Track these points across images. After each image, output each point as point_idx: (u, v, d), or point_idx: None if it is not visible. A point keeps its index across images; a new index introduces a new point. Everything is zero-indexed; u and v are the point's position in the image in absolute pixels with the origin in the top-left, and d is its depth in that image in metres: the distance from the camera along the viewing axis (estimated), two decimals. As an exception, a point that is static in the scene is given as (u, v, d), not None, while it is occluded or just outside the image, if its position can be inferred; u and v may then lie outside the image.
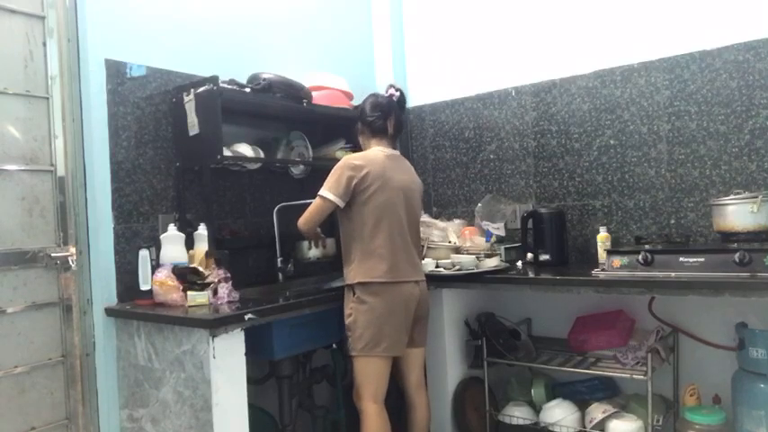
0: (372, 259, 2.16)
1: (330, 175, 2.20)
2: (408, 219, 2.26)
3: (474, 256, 2.52)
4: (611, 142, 2.71)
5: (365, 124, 2.35)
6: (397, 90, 2.40)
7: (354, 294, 2.17)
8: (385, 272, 2.15)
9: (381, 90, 3.27)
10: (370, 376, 2.16)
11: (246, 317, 1.91)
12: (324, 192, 2.18)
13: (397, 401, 2.38)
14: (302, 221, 2.26)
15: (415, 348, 2.32)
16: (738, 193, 2.26)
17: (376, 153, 2.26)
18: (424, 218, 2.88)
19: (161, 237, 2.22)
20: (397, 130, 2.37)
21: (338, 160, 2.31)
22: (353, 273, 2.18)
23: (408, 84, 3.41)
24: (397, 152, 2.36)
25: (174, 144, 2.38)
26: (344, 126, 2.78)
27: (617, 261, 2.22)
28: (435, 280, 2.54)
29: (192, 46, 2.48)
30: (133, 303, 2.15)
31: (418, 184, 2.38)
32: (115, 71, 2.22)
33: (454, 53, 3.22)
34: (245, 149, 2.47)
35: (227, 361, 1.88)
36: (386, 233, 2.17)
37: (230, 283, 2.12)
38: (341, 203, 2.17)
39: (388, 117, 2.33)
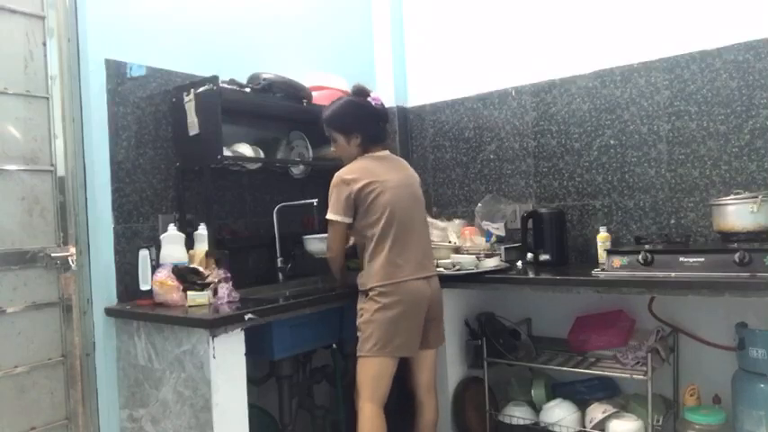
0: (383, 263, 2.13)
1: (330, 196, 2.20)
2: (416, 215, 2.26)
3: (474, 256, 2.52)
4: (611, 142, 2.71)
5: (367, 134, 2.26)
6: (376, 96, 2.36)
7: (367, 295, 2.16)
8: (395, 273, 2.13)
9: (383, 91, 3.36)
10: (369, 377, 2.13)
11: (246, 317, 1.91)
12: (329, 215, 2.19)
13: (398, 403, 2.36)
14: (328, 253, 2.29)
15: (428, 350, 2.29)
16: (738, 193, 2.26)
17: (366, 161, 2.24)
18: (424, 218, 2.89)
19: (161, 237, 2.22)
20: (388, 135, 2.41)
21: (338, 160, 2.31)
22: (365, 278, 2.17)
23: (408, 84, 3.41)
24: (386, 152, 2.32)
25: (174, 144, 2.38)
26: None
27: (617, 261, 2.22)
28: (435, 280, 2.54)
29: (192, 46, 2.48)
30: (133, 303, 2.15)
31: (416, 179, 2.35)
32: (115, 71, 2.22)
33: (454, 53, 3.22)
34: (245, 149, 2.47)
35: (228, 361, 1.88)
36: (394, 235, 2.15)
37: (230, 283, 2.12)
38: (348, 220, 2.18)
39: (386, 124, 2.35)
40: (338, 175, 2.21)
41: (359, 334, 2.16)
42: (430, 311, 2.22)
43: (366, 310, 2.14)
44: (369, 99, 2.31)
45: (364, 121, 2.28)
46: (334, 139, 2.31)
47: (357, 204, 2.16)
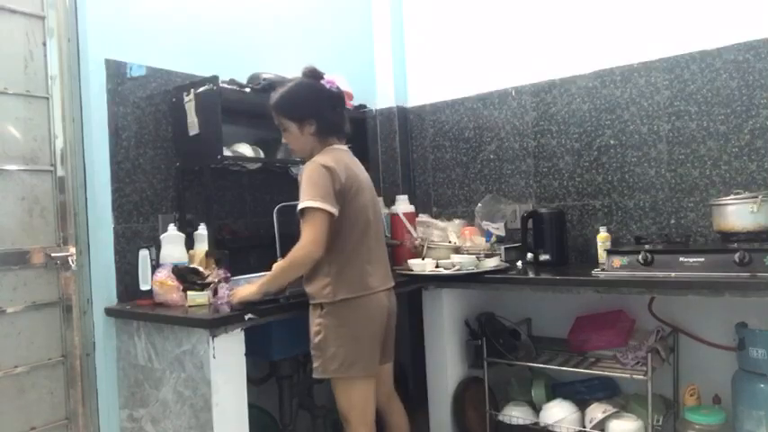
0: (358, 271, 1.94)
1: (308, 184, 1.87)
2: (380, 221, 2.12)
3: (474, 256, 2.52)
4: (611, 142, 2.71)
5: (323, 119, 1.99)
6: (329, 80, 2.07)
7: (323, 309, 1.93)
8: (368, 283, 1.96)
9: (383, 91, 3.37)
10: (354, 398, 1.96)
11: (246, 317, 1.91)
12: (315, 202, 1.84)
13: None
14: (312, 248, 1.83)
15: (386, 364, 2.14)
16: (738, 193, 2.26)
17: (339, 153, 2.01)
18: (424, 218, 2.89)
19: (161, 237, 2.22)
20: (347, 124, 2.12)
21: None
22: (331, 289, 1.92)
23: (408, 84, 3.41)
24: (347, 148, 2.12)
25: (174, 144, 2.38)
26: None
27: (617, 261, 2.22)
28: (435, 280, 2.54)
29: (192, 46, 2.48)
30: (133, 303, 2.15)
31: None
32: (115, 71, 2.22)
33: (454, 53, 3.22)
34: (245, 149, 2.47)
35: (228, 361, 1.88)
36: (366, 242, 1.98)
37: (230, 283, 2.12)
38: (336, 213, 1.88)
39: (344, 110, 2.10)
40: (316, 161, 1.91)
41: (316, 353, 1.95)
42: (388, 326, 2.07)
43: (323, 327, 1.92)
44: (323, 82, 2.05)
45: (319, 105, 2.00)
46: (284, 128, 2.03)
47: (340, 199, 1.90)
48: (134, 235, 2.24)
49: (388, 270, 2.11)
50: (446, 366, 2.64)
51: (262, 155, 2.56)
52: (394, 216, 2.94)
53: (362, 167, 2.12)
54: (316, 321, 1.95)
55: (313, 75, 2.05)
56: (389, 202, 3.05)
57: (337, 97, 2.07)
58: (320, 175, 1.87)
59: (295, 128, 2.01)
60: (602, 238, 2.52)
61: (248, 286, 1.97)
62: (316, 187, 1.86)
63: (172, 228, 2.22)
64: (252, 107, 2.54)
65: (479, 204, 2.98)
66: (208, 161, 2.27)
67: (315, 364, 1.97)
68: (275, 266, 1.94)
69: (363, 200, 2.00)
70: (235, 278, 2.10)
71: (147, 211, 2.29)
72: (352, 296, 1.93)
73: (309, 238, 1.84)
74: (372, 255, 2.01)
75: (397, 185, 3.30)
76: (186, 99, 2.29)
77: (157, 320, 1.99)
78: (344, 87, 2.88)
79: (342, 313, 1.92)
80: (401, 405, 2.26)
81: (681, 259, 2.08)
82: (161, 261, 2.17)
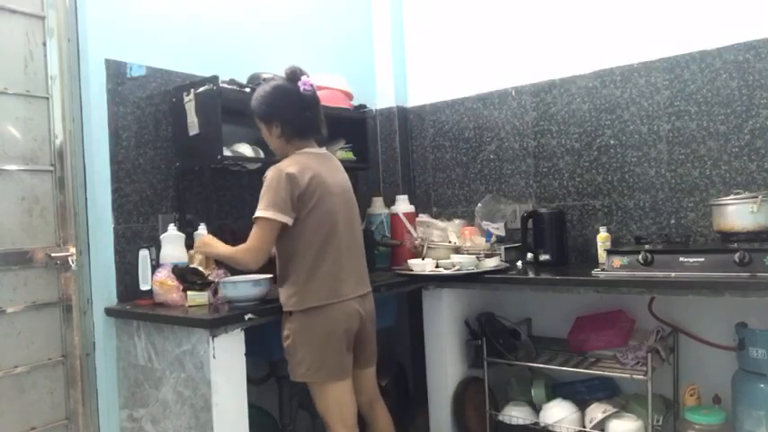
0: (325, 279, 1.94)
1: (266, 191, 1.92)
2: (353, 225, 2.08)
3: (474, 256, 2.52)
4: (611, 142, 2.71)
5: (288, 123, 2.01)
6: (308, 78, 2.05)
7: (291, 315, 1.95)
8: (339, 291, 1.95)
9: (383, 91, 3.37)
10: (329, 401, 1.98)
11: (246, 317, 1.91)
12: (266, 212, 1.89)
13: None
14: (251, 255, 1.91)
15: (366, 369, 2.14)
16: (738, 193, 2.26)
17: (307, 157, 2.01)
18: (424, 218, 2.89)
19: (161, 237, 2.22)
20: (324, 127, 2.10)
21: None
22: (298, 298, 1.94)
23: (408, 84, 3.41)
24: (324, 150, 2.13)
25: (174, 144, 2.38)
26: (344, 126, 2.78)
27: (617, 261, 2.22)
28: (435, 280, 2.54)
29: (192, 46, 2.48)
30: (133, 303, 2.15)
31: (349, 182, 2.14)
32: (115, 71, 2.22)
33: (454, 53, 3.22)
34: (245, 149, 2.47)
35: (227, 361, 1.88)
36: (334, 248, 1.96)
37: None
38: (290, 222, 1.91)
39: (317, 112, 2.07)
40: (279, 167, 1.94)
41: (286, 356, 2.00)
42: (362, 332, 2.04)
43: (291, 332, 1.95)
44: (299, 83, 2.02)
45: (284, 107, 2.02)
46: (258, 128, 2.11)
47: (300, 206, 1.92)
48: (134, 235, 2.24)
49: (362, 276, 2.09)
50: (446, 366, 2.64)
51: (262, 155, 2.56)
52: (394, 216, 2.95)
53: (338, 171, 2.11)
54: (286, 326, 1.98)
55: (290, 77, 2.04)
56: (389, 202, 3.06)
57: (310, 100, 2.04)
58: (278, 182, 1.90)
59: (265, 129, 2.08)
60: (602, 238, 2.52)
61: (212, 244, 2.04)
62: (271, 195, 1.90)
63: (172, 228, 2.22)
64: (252, 107, 2.54)
65: (479, 204, 2.98)
66: (208, 161, 2.28)
67: (288, 368, 2.01)
68: (229, 252, 1.98)
69: (330, 205, 1.97)
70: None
71: (147, 211, 2.29)
72: (319, 305, 1.93)
73: (253, 245, 1.92)
74: (343, 261, 1.99)
75: (397, 185, 3.30)
76: (186, 99, 2.29)
77: (157, 320, 1.99)
78: (344, 87, 2.90)
79: (308, 320, 1.93)
80: (386, 411, 2.23)
81: (681, 259, 2.09)
82: (161, 261, 2.17)
